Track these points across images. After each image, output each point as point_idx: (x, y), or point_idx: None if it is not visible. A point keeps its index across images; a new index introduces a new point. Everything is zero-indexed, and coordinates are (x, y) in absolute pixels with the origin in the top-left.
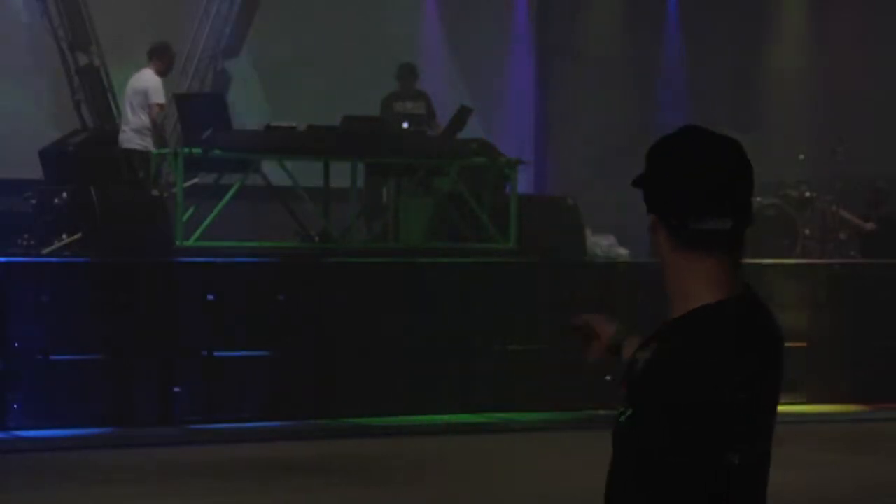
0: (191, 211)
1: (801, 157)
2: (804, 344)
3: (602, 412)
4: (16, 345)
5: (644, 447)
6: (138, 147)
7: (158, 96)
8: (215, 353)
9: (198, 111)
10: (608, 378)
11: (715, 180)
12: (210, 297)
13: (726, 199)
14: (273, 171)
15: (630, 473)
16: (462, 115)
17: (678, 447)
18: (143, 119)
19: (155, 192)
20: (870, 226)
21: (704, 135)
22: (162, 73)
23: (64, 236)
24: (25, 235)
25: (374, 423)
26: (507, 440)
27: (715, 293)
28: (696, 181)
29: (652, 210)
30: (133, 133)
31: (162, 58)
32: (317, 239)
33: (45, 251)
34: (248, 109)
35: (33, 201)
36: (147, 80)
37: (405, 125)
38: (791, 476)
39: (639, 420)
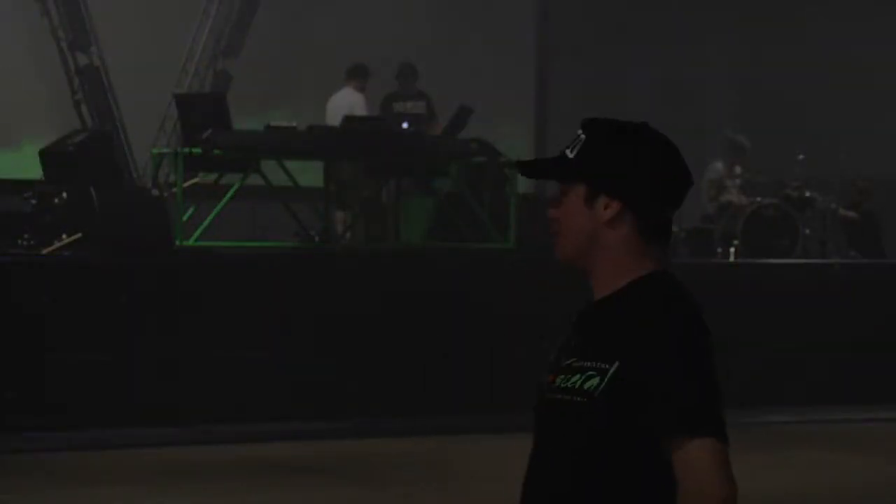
0: (191, 211)
1: (801, 157)
2: (804, 344)
3: None
4: (15, 345)
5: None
6: None
7: (362, 111)
8: (214, 353)
9: (198, 111)
10: None
11: (687, 176)
12: (209, 296)
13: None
14: (273, 171)
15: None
16: (462, 115)
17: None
18: None
19: (155, 192)
20: (851, 214)
21: (656, 131)
22: (361, 89)
23: (64, 236)
24: (25, 235)
25: (375, 423)
26: (508, 440)
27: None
28: (675, 174)
29: (617, 196)
30: None
31: (359, 76)
32: (317, 239)
33: (45, 251)
34: (249, 109)
35: (33, 201)
36: (347, 96)
37: (405, 125)
38: (791, 476)
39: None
